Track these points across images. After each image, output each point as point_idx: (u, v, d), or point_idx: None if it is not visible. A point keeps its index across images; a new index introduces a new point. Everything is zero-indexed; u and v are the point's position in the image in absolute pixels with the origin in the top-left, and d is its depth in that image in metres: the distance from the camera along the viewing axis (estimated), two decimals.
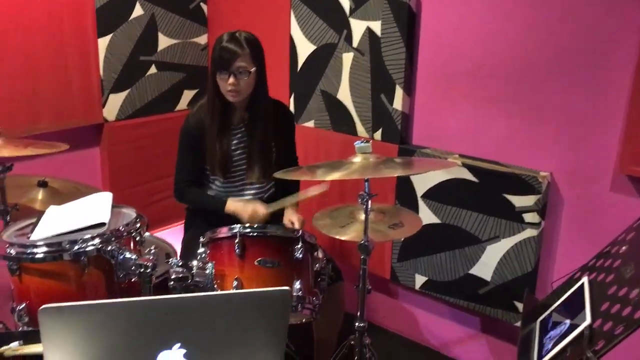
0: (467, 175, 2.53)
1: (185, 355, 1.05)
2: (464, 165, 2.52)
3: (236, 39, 2.25)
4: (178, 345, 1.03)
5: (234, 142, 2.40)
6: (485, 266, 2.57)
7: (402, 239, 2.77)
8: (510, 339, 2.67)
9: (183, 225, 2.66)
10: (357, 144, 1.84)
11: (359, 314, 2.02)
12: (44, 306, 0.94)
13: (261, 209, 2.31)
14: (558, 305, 1.69)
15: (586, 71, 2.24)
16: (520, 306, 2.48)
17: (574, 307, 1.59)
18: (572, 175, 2.35)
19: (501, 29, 2.40)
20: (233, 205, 2.36)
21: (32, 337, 1.21)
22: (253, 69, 2.25)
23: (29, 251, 1.74)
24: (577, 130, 2.30)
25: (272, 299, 1.05)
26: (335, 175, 1.76)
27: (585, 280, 1.63)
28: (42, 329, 0.95)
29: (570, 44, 2.26)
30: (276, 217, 2.39)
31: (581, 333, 1.42)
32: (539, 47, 2.33)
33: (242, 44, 2.24)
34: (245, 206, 2.33)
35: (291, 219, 2.36)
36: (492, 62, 2.46)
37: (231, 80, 2.23)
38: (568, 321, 1.55)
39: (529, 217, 2.40)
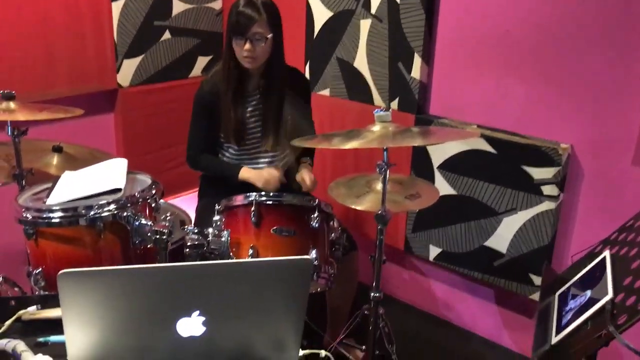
0: (485, 147, 2.49)
1: (204, 323, 1.04)
2: (482, 136, 2.47)
3: (253, 3, 2.21)
4: (197, 312, 1.02)
5: (249, 109, 2.38)
6: (501, 238, 2.54)
7: (417, 210, 2.75)
8: (524, 311, 2.66)
9: (197, 193, 2.65)
10: (377, 112, 1.81)
11: (374, 284, 2.01)
12: (63, 271, 0.93)
13: (275, 172, 2.29)
14: (578, 279, 1.67)
15: (611, 40, 2.17)
16: (535, 279, 2.46)
17: (594, 281, 1.57)
18: (593, 148, 2.30)
19: None
20: (247, 172, 2.34)
21: (50, 301, 1.21)
22: (270, 35, 2.21)
23: (45, 215, 1.74)
24: (601, 101, 2.24)
25: (294, 268, 1.04)
26: (354, 144, 1.73)
27: (607, 254, 1.61)
28: (60, 293, 0.94)
29: (595, 11, 2.19)
30: (288, 178, 2.37)
31: (602, 307, 1.40)
32: (562, 14, 2.26)
33: (260, 9, 2.20)
34: (259, 173, 2.31)
35: (303, 176, 2.34)
36: (514, 30, 2.39)
37: (247, 46, 2.19)
38: (588, 295, 1.53)
39: (548, 190, 2.37)
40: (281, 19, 2.29)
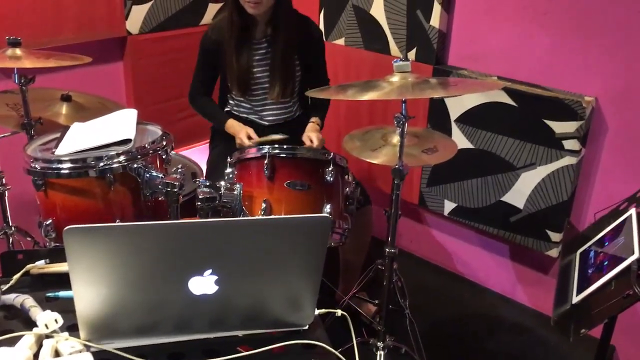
0: (505, 99, 2.41)
1: (216, 282, 1.00)
2: (503, 88, 2.39)
3: None
4: (209, 271, 0.98)
5: (256, 57, 2.30)
6: (519, 194, 2.49)
7: (433, 164, 2.69)
8: (540, 267, 2.63)
9: (208, 144, 2.60)
10: (396, 62, 1.73)
11: (389, 239, 1.97)
12: (68, 227, 0.89)
13: (246, 140, 2.21)
14: (601, 237, 1.62)
15: None
16: (552, 235, 2.42)
17: (619, 240, 1.52)
18: (619, 101, 2.22)
19: None
20: (231, 125, 2.33)
21: (59, 255, 1.18)
22: None
23: (54, 166, 1.70)
24: (628, 51, 2.14)
25: (312, 225, 0.99)
26: (371, 95, 1.66)
27: (633, 212, 1.55)
28: (67, 249, 0.91)
29: None
30: (295, 138, 2.29)
31: (628, 267, 1.35)
32: None
33: None
34: (238, 130, 2.27)
35: (310, 136, 2.27)
36: None
37: None
38: (612, 254, 1.48)
39: (569, 144, 2.29)
40: None
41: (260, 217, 1.73)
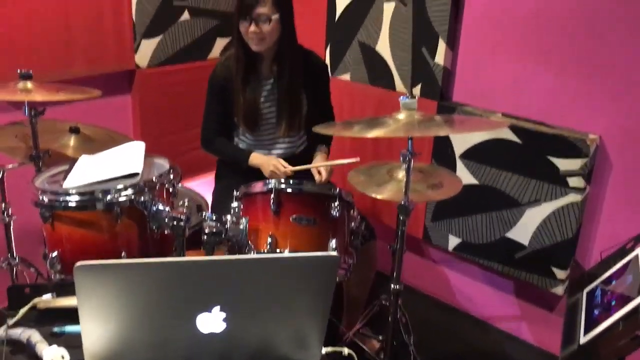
0: (510, 136, 2.43)
1: (225, 319, 1.00)
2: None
3: None
4: (217, 307, 0.98)
5: (264, 94, 2.33)
6: (523, 230, 2.49)
7: (438, 200, 2.69)
8: (545, 305, 2.61)
9: (214, 176, 2.62)
10: (403, 99, 1.75)
11: (394, 275, 1.96)
12: (79, 263, 0.89)
13: (282, 167, 2.23)
14: (607, 276, 1.61)
15: None
16: (558, 272, 2.41)
17: (625, 280, 1.51)
18: (623, 139, 2.23)
19: None
20: (257, 158, 2.31)
21: (66, 289, 1.18)
22: (275, 16, 2.16)
23: (61, 199, 1.71)
24: (632, 90, 2.16)
25: (319, 264, 0.99)
26: (378, 133, 1.67)
27: (639, 251, 1.55)
28: (77, 286, 0.91)
29: None
30: (305, 173, 2.31)
31: (635, 308, 1.35)
32: None
33: None
34: (268, 160, 2.27)
35: (319, 169, 2.27)
36: (543, 14, 2.31)
37: (252, 27, 2.15)
38: (619, 294, 1.48)
39: (574, 182, 2.30)
40: (291, 0, 2.24)
41: (268, 255, 1.72)
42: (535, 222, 2.44)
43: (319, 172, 2.24)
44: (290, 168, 2.21)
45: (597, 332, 1.40)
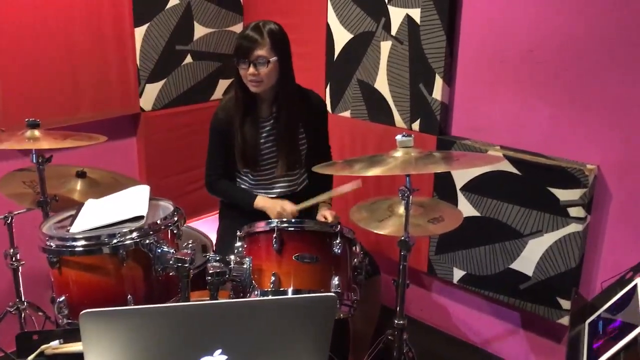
0: (509, 168, 2.46)
1: None
2: (506, 157, 2.44)
3: (258, 28, 2.24)
4: (219, 351, 1.01)
5: (263, 135, 2.38)
6: (527, 261, 2.50)
7: (439, 234, 2.71)
8: (551, 335, 2.60)
9: (218, 215, 2.65)
10: (399, 137, 1.79)
11: (398, 310, 1.98)
12: (84, 311, 0.92)
13: (289, 207, 2.28)
14: (608, 307, 1.62)
15: (636, 58, 2.13)
16: (563, 303, 2.41)
17: (626, 310, 1.52)
18: (621, 169, 2.26)
19: (548, 14, 2.31)
20: (262, 201, 2.35)
21: (72, 335, 1.20)
22: (273, 59, 2.22)
23: (68, 244, 1.74)
24: (627, 120, 2.20)
25: (318, 304, 1.02)
26: (376, 171, 1.71)
27: (638, 281, 1.56)
28: (82, 333, 0.94)
29: (619, 29, 2.15)
30: (309, 213, 2.36)
31: (635, 338, 1.36)
32: (586, 32, 2.23)
33: (263, 33, 2.22)
34: (274, 203, 2.31)
35: (325, 215, 2.33)
36: (537, 49, 2.36)
37: (251, 70, 2.21)
38: (619, 324, 1.49)
39: (574, 212, 2.32)
40: (288, 43, 2.31)
41: (267, 297, 1.74)
42: (538, 252, 2.45)
43: (325, 217, 2.28)
44: (296, 208, 2.26)
45: None
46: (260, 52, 2.21)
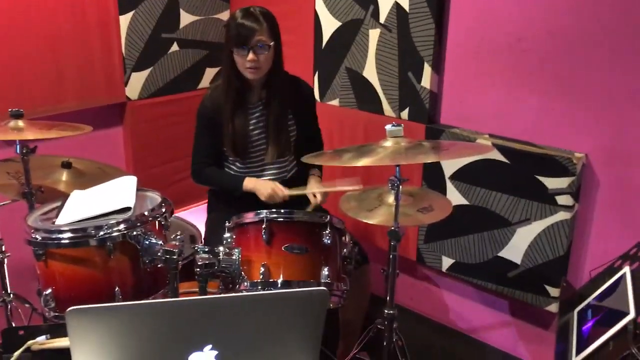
0: (498, 156, 2.46)
1: (216, 357, 1.01)
2: (495, 145, 2.44)
3: (252, 14, 2.21)
4: (209, 346, 1.00)
5: (252, 121, 2.36)
6: (515, 249, 2.50)
7: (428, 223, 2.71)
8: (539, 323, 2.62)
9: (206, 206, 2.63)
10: (389, 127, 1.78)
11: (388, 300, 1.98)
12: (71, 308, 0.91)
13: (280, 191, 2.25)
14: (597, 295, 1.63)
15: (627, 46, 2.13)
16: (551, 290, 2.42)
17: (614, 298, 1.53)
18: (608, 157, 2.26)
19: (537, 3, 2.30)
20: (252, 182, 2.32)
21: (59, 331, 1.19)
22: (272, 43, 2.21)
23: (54, 236, 1.72)
24: (615, 108, 2.20)
25: (309, 299, 1.01)
26: (366, 161, 1.70)
27: (627, 270, 1.57)
28: (69, 330, 0.92)
29: (610, 17, 2.15)
30: (299, 201, 2.34)
31: (624, 327, 1.36)
32: (574, 21, 2.22)
33: (259, 18, 2.20)
34: (265, 184, 2.28)
35: (314, 192, 2.31)
36: (525, 38, 2.35)
37: (250, 56, 2.19)
38: (608, 313, 1.50)
39: (562, 200, 2.33)
40: (279, 28, 2.28)
41: (257, 292, 1.73)
42: (527, 240, 2.46)
43: (314, 195, 2.26)
44: (287, 192, 2.24)
45: (589, 352, 1.42)
46: (260, 37, 2.19)
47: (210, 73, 3.33)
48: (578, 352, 1.48)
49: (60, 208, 1.87)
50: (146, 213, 1.81)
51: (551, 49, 2.30)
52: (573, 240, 2.39)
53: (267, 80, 2.32)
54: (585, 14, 2.20)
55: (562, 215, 2.34)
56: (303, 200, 2.35)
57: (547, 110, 2.37)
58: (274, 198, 2.23)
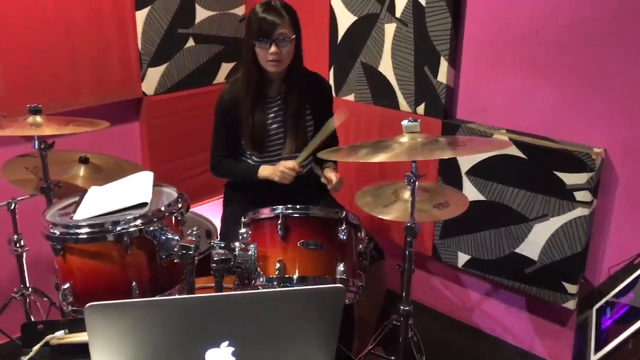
0: (515, 152, 2.43)
1: (233, 353, 1.01)
2: (512, 140, 2.41)
3: (274, 7, 2.22)
4: (226, 343, 1.00)
5: (270, 115, 2.36)
6: (533, 245, 2.48)
7: (444, 219, 2.69)
8: (556, 319, 2.60)
9: (222, 200, 2.64)
10: (405, 123, 1.77)
11: (404, 296, 1.97)
12: (90, 304, 0.91)
13: (290, 164, 2.26)
14: (616, 293, 1.61)
15: None
16: (569, 287, 2.40)
17: (635, 296, 1.51)
18: (628, 152, 2.23)
19: None
20: (265, 170, 2.34)
21: (77, 325, 1.20)
22: (294, 36, 2.21)
23: (72, 231, 1.73)
24: (634, 103, 2.17)
25: (325, 295, 1.01)
26: (382, 157, 1.69)
27: None
28: (88, 325, 0.93)
29: (626, 9, 2.11)
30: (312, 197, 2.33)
31: None
32: (592, 13, 2.19)
33: (281, 11, 2.21)
34: (275, 168, 2.30)
35: (329, 175, 2.31)
36: (543, 31, 2.33)
37: (273, 49, 2.19)
38: (628, 310, 1.48)
39: (581, 196, 2.30)
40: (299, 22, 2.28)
41: (274, 289, 1.72)
42: (544, 237, 2.44)
43: (329, 180, 2.26)
44: (296, 162, 2.24)
45: (607, 351, 1.40)
46: (283, 29, 2.19)
47: (225, 68, 3.33)
48: (597, 350, 1.46)
49: (78, 203, 1.88)
50: (163, 208, 1.81)
51: (568, 42, 2.27)
52: (591, 237, 2.37)
53: (286, 74, 2.32)
54: (603, 6, 2.16)
55: (580, 212, 2.32)
56: (319, 193, 2.34)
57: (564, 104, 2.34)
58: (286, 175, 2.23)
